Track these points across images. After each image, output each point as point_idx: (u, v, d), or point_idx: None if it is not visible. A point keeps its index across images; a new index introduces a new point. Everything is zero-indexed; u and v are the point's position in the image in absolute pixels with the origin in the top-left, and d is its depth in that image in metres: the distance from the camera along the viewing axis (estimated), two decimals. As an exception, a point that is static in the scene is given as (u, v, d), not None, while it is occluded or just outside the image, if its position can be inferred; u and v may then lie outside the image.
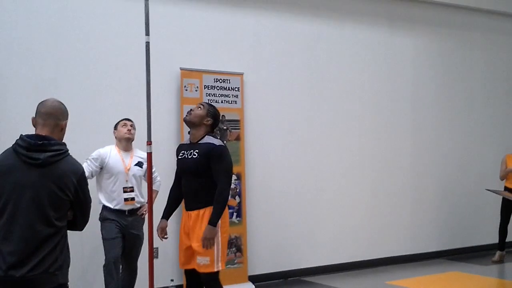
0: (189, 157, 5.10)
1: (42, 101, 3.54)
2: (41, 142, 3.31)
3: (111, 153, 6.03)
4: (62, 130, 3.52)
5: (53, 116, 3.46)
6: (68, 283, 3.39)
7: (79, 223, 3.51)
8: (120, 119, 6.16)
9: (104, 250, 5.94)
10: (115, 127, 6.16)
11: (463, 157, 9.87)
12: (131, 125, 6.11)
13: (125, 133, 6.06)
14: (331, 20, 8.51)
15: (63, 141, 3.50)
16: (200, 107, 5.19)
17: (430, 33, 9.52)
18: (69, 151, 3.43)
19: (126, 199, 5.96)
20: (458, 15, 9.81)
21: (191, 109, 5.25)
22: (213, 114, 5.21)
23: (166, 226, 5.31)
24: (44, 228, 3.22)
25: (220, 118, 5.43)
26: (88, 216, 3.58)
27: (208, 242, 4.91)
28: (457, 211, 9.78)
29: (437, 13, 9.59)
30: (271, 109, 7.98)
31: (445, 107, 9.68)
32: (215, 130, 5.38)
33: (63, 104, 3.60)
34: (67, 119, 3.56)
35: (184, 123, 5.41)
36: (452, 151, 9.75)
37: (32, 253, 3.18)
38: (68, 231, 3.47)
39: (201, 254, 4.98)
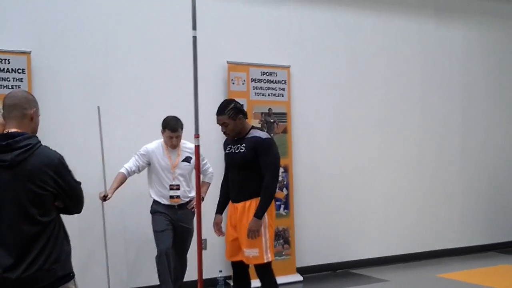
0: (236, 151, 5.12)
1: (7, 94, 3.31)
2: (5, 142, 3.08)
3: (158, 150, 6.08)
4: (33, 119, 3.24)
5: (18, 106, 3.19)
6: (73, 271, 3.28)
7: (72, 209, 3.31)
8: (168, 125, 6.00)
9: (155, 242, 6.04)
10: (163, 128, 6.04)
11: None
12: (176, 137, 6.02)
13: (169, 146, 6.06)
14: (377, 11, 8.42)
15: (36, 131, 3.28)
16: (225, 123, 5.08)
17: (479, 24, 9.33)
18: (40, 143, 3.18)
19: (171, 197, 6.04)
20: (507, 4, 9.58)
21: (223, 131, 5.18)
22: (236, 111, 5.09)
23: (221, 221, 5.35)
24: (30, 227, 3.10)
25: (239, 103, 5.26)
26: (81, 200, 3.34)
27: (252, 234, 4.93)
28: (508, 204, 9.60)
29: (485, 3, 9.38)
30: (318, 102, 7.96)
31: (496, 100, 9.49)
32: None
33: (29, 93, 3.38)
34: (36, 107, 3.27)
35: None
36: (503, 144, 9.57)
37: (24, 253, 3.08)
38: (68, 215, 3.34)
39: (249, 246, 5.01)
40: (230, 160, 5.23)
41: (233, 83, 7.25)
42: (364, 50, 8.34)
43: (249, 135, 5.13)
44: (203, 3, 6.52)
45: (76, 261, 3.43)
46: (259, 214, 4.96)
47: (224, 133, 5.20)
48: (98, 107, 6.15)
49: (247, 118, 5.24)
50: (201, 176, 5.91)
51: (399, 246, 8.56)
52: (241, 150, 5.09)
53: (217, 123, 5.19)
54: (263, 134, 5.13)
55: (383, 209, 8.43)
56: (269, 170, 5.01)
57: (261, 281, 5.16)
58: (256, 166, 5.03)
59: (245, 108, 5.29)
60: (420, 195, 8.77)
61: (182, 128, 6.06)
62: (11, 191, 3.09)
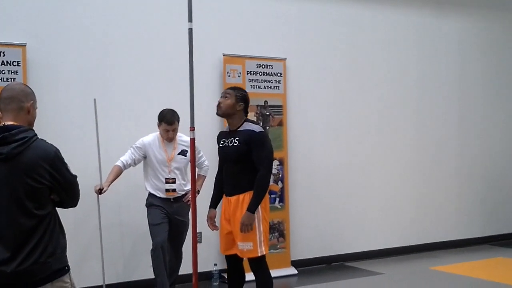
0: (230, 145, 5.10)
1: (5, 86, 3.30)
2: (1, 135, 3.08)
3: (154, 143, 6.06)
4: (29, 112, 3.24)
5: (15, 99, 3.19)
6: (68, 264, 3.27)
7: (67, 203, 3.32)
8: (165, 118, 5.98)
9: (151, 235, 6.03)
10: (159, 121, 6.03)
11: (510, 144, 9.70)
12: (173, 130, 6.02)
13: (165, 139, 6.06)
14: (375, 3, 8.41)
15: (33, 124, 3.28)
16: (227, 96, 5.10)
17: (478, 16, 9.33)
18: (36, 136, 3.17)
19: (167, 190, 6.03)
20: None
21: (219, 102, 5.16)
22: (242, 97, 5.13)
23: (215, 216, 5.34)
24: (26, 221, 3.09)
25: (249, 98, 5.27)
26: (77, 194, 3.35)
27: (245, 227, 4.92)
28: (502, 198, 9.64)
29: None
30: (314, 95, 7.95)
31: (492, 93, 9.51)
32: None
33: (26, 86, 3.37)
34: (33, 100, 3.27)
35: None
36: (499, 138, 9.60)
37: (20, 247, 3.07)
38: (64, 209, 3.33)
39: (243, 239, 5.01)
40: (224, 153, 5.21)
41: (229, 76, 7.24)
42: (362, 43, 8.33)
43: (242, 128, 5.10)
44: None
45: (72, 255, 3.43)
46: (252, 208, 4.94)
47: (218, 105, 5.13)
48: (94, 99, 6.15)
49: (246, 115, 5.22)
50: (197, 169, 5.90)
51: (394, 239, 8.59)
52: (235, 144, 5.07)
53: (221, 93, 5.26)
54: (257, 128, 5.10)
55: (378, 202, 8.44)
56: (262, 164, 4.99)
57: (255, 274, 5.15)
58: (249, 159, 5.01)
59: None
60: (417, 188, 8.80)
61: (178, 121, 6.05)
62: (7, 184, 3.08)
